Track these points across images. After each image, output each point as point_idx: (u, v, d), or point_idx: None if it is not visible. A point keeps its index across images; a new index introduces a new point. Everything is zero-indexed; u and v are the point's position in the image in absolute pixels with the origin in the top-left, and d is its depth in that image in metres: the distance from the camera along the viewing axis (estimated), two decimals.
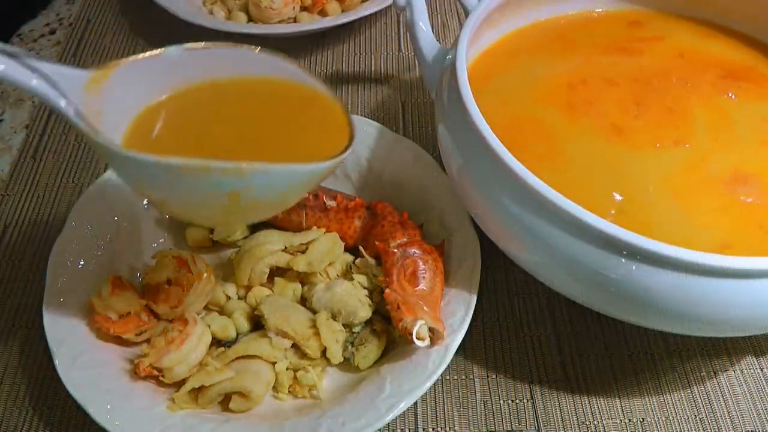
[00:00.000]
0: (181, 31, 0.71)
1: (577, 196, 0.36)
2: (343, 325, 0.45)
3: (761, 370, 0.46)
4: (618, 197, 0.41)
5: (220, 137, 0.34)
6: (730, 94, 0.47)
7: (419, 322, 0.41)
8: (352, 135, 0.35)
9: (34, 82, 0.30)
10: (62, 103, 0.31)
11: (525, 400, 0.45)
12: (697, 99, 0.47)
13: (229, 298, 0.47)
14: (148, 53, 0.35)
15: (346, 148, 0.34)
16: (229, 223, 0.40)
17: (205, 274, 0.46)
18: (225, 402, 0.42)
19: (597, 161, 0.43)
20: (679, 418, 0.44)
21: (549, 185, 0.36)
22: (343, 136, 0.35)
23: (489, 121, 0.39)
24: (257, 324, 0.46)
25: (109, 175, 0.50)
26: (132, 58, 0.35)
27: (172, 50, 0.36)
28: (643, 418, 0.44)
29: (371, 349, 0.44)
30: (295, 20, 0.70)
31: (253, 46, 0.37)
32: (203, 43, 0.36)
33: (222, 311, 0.47)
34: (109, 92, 0.33)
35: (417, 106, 0.64)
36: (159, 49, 0.36)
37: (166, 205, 0.35)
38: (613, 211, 0.40)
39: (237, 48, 0.37)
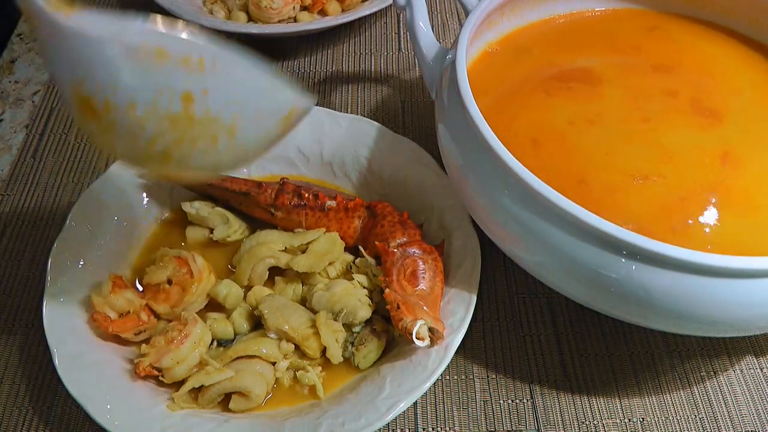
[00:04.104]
0: None
1: None
2: (343, 325, 0.45)
3: (761, 370, 0.46)
4: None
5: None
6: None
7: (419, 322, 0.41)
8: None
9: None
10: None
11: (525, 400, 0.45)
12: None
13: None
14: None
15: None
16: (172, 163, 0.34)
17: (205, 274, 0.46)
18: (225, 402, 0.42)
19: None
20: (679, 418, 0.44)
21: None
22: None
23: (489, 121, 0.39)
24: (257, 324, 0.46)
25: (109, 174, 0.50)
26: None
27: None
28: (643, 418, 0.44)
29: (371, 349, 0.44)
30: (295, 20, 0.70)
31: None
32: None
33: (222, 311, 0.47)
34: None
35: (417, 106, 0.64)
36: None
37: (108, 121, 0.32)
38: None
39: None
